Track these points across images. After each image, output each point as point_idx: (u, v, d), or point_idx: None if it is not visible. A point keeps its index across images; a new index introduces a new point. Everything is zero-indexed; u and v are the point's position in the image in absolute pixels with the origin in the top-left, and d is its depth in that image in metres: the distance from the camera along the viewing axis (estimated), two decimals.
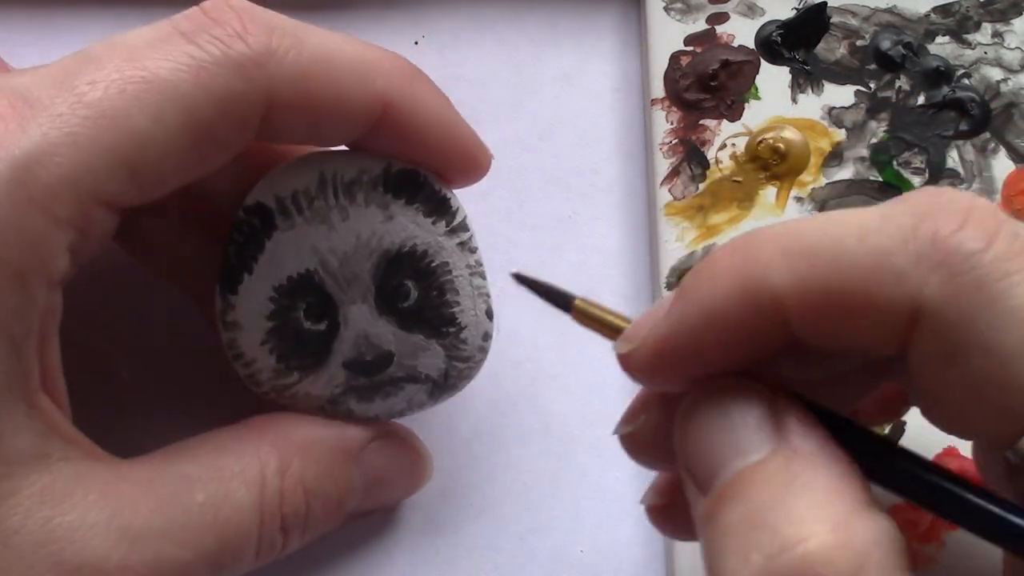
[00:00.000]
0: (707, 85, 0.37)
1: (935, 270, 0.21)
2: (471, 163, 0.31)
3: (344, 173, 0.30)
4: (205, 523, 0.27)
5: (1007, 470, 0.22)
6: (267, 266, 0.30)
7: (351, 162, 0.30)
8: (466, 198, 0.33)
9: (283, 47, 0.27)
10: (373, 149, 0.30)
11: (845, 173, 0.36)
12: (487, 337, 0.31)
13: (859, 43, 0.37)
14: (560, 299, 0.28)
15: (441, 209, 0.31)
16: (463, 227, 0.31)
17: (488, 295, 0.32)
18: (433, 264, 0.31)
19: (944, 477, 0.23)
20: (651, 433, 0.26)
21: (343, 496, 0.31)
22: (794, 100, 0.37)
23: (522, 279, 0.28)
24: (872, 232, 0.22)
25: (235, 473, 0.28)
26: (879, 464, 0.24)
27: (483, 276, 0.31)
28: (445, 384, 0.32)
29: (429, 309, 0.31)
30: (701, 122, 0.36)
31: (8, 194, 0.24)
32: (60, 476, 0.25)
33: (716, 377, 0.24)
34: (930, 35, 0.37)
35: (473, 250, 0.31)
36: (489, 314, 0.31)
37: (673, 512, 0.27)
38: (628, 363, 0.25)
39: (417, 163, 0.31)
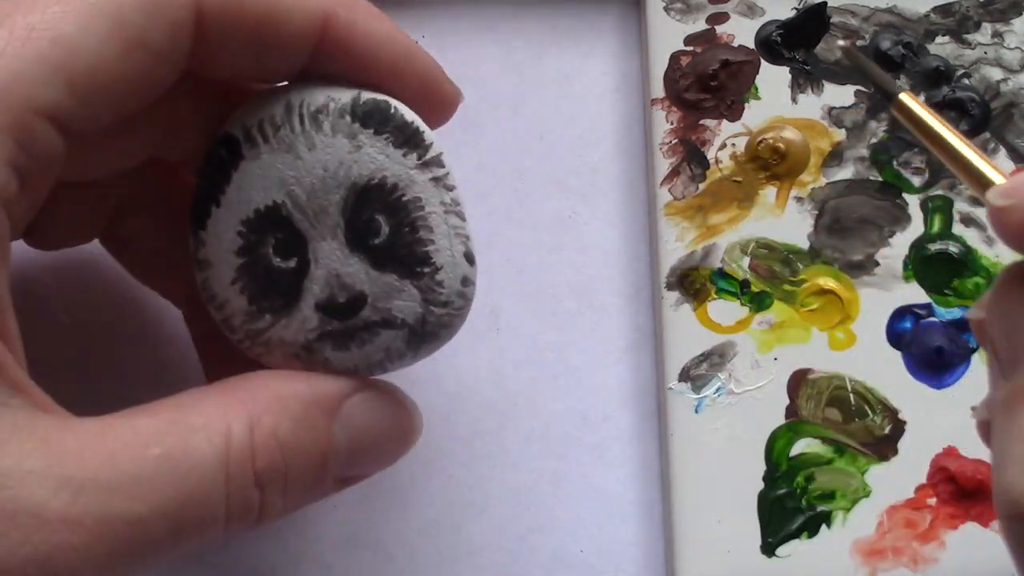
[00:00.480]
0: (707, 85, 0.37)
1: None
2: (434, 91, 0.30)
3: (311, 101, 0.29)
4: (160, 476, 0.25)
5: None
6: (234, 198, 0.29)
7: (319, 90, 0.29)
8: (466, 198, 0.32)
9: None
10: (337, 78, 0.29)
11: (845, 173, 0.36)
12: (467, 282, 0.30)
13: (859, 43, 0.37)
14: (885, 89, 0.26)
15: (413, 141, 0.30)
16: (437, 162, 0.30)
17: (468, 237, 0.30)
18: (404, 198, 0.30)
19: None
20: None
21: (325, 452, 0.29)
22: (794, 100, 0.37)
23: (850, 54, 0.26)
24: None
25: (196, 427, 0.26)
26: None
27: (461, 216, 0.30)
28: (423, 331, 0.30)
29: (401, 247, 0.30)
30: (701, 122, 0.36)
31: None
32: None
33: None
34: (930, 35, 0.37)
35: (450, 188, 0.30)
36: (469, 257, 0.30)
37: None
38: (1001, 220, 0.23)
39: (379, 90, 0.30)
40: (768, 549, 0.34)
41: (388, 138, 0.30)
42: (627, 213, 0.37)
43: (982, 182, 0.24)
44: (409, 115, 0.30)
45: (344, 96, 0.30)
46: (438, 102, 0.30)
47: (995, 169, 0.25)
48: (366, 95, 0.30)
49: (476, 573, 0.35)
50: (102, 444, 0.24)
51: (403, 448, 0.31)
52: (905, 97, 0.26)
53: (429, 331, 0.30)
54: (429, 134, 0.30)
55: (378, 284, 0.29)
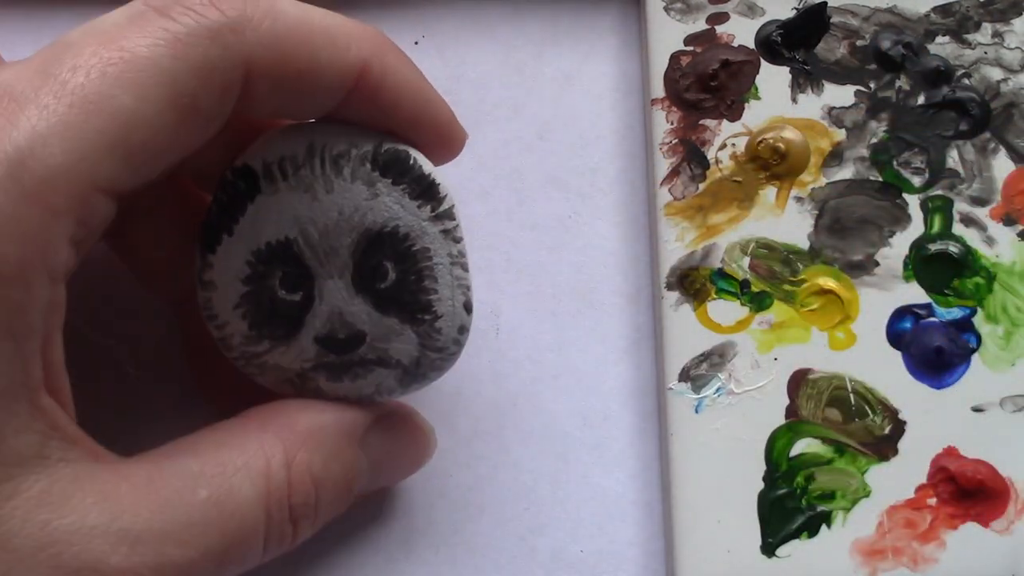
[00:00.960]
0: (707, 85, 0.37)
1: None
2: (446, 137, 0.31)
3: (334, 145, 0.30)
4: (209, 520, 0.27)
5: None
6: (247, 229, 0.30)
7: (342, 135, 0.30)
8: (466, 198, 0.33)
9: (258, 14, 0.27)
10: (359, 122, 0.30)
11: (845, 173, 0.36)
12: (463, 330, 0.31)
13: (859, 43, 0.37)
14: None
15: (428, 194, 0.30)
16: (449, 215, 0.31)
17: (468, 287, 0.31)
18: (414, 248, 0.30)
19: None
20: None
21: (351, 480, 0.30)
22: (794, 100, 0.37)
23: None
24: None
25: (239, 467, 0.28)
26: None
27: (465, 268, 0.31)
28: (416, 372, 0.31)
29: (406, 293, 0.30)
30: (701, 122, 0.36)
31: (3, 191, 0.24)
32: (59, 478, 0.25)
33: None
34: (930, 35, 0.37)
35: (457, 240, 0.31)
36: (468, 307, 0.31)
37: None
38: None
39: (396, 135, 0.30)
40: (768, 549, 0.34)
41: (405, 189, 0.30)
42: (627, 213, 0.37)
43: None
44: (427, 167, 0.31)
45: (366, 144, 0.30)
46: (450, 146, 0.31)
47: None
48: (387, 144, 0.30)
49: (476, 573, 0.35)
50: (154, 492, 0.26)
51: (417, 466, 0.34)
52: None
53: (421, 372, 0.31)
54: (444, 187, 0.31)
55: (379, 325, 0.30)
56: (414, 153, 0.31)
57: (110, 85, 0.25)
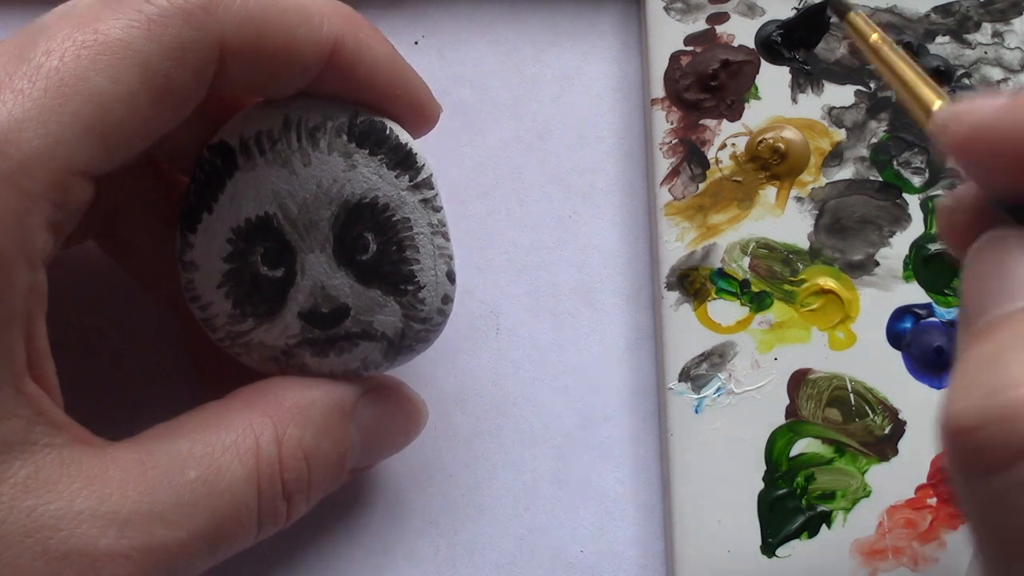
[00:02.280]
0: (707, 85, 0.37)
1: None
2: (421, 109, 0.31)
3: (309, 118, 0.30)
4: (198, 500, 0.27)
5: None
6: (227, 206, 0.30)
7: (317, 108, 0.30)
8: (466, 198, 0.33)
9: None
10: (334, 97, 0.30)
11: (845, 173, 0.36)
12: (447, 300, 0.31)
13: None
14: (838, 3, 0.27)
15: (406, 163, 0.30)
16: (427, 184, 0.31)
17: (451, 257, 0.31)
18: (394, 218, 0.30)
19: None
20: (968, 217, 0.24)
21: (343, 454, 0.30)
22: (794, 100, 0.37)
23: None
24: None
25: (227, 446, 0.28)
26: None
27: (446, 237, 0.31)
28: (401, 344, 0.31)
29: (388, 264, 0.30)
30: (701, 122, 0.36)
31: None
32: (45, 464, 0.25)
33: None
34: (930, 35, 0.37)
35: (437, 209, 0.31)
36: (451, 276, 0.31)
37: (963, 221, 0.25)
38: (945, 135, 0.24)
39: (372, 108, 0.30)
40: (768, 549, 0.34)
41: (382, 159, 0.30)
42: (627, 213, 0.37)
43: (925, 103, 0.25)
44: (403, 136, 0.31)
45: (341, 115, 0.30)
46: (425, 119, 0.32)
47: (936, 91, 0.26)
48: (363, 116, 0.30)
49: (476, 573, 0.35)
50: (142, 475, 0.26)
51: (410, 438, 0.33)
52: (854, 16, 0.27)
53: (406, 344, 0.31)
54: (421, 156, 0.31)
55: (362, 298, 0.30)
56: (390, 124, 0.30)
57: (84, 68, 0.25)
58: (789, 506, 0.34)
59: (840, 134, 0.36)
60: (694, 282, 0.36)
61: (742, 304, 0.35)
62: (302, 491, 0.29)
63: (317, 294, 0.30)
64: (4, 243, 0.24)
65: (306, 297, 0.30)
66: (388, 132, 0.30)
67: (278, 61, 0.28)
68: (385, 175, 0.30)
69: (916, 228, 0.36)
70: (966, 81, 0.37)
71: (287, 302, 0.30)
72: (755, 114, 0.36)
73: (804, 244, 0.36)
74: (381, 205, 0.30)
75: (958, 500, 0.22)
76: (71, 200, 0.25)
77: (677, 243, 0.36)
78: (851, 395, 0.35)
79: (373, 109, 0.30)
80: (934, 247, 0.36)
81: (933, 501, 0.34)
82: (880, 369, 0.35)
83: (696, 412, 0.35)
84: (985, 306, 0.23)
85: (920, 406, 0.35)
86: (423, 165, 0.31)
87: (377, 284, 0.30)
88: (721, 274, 0.36)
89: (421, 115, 0.31)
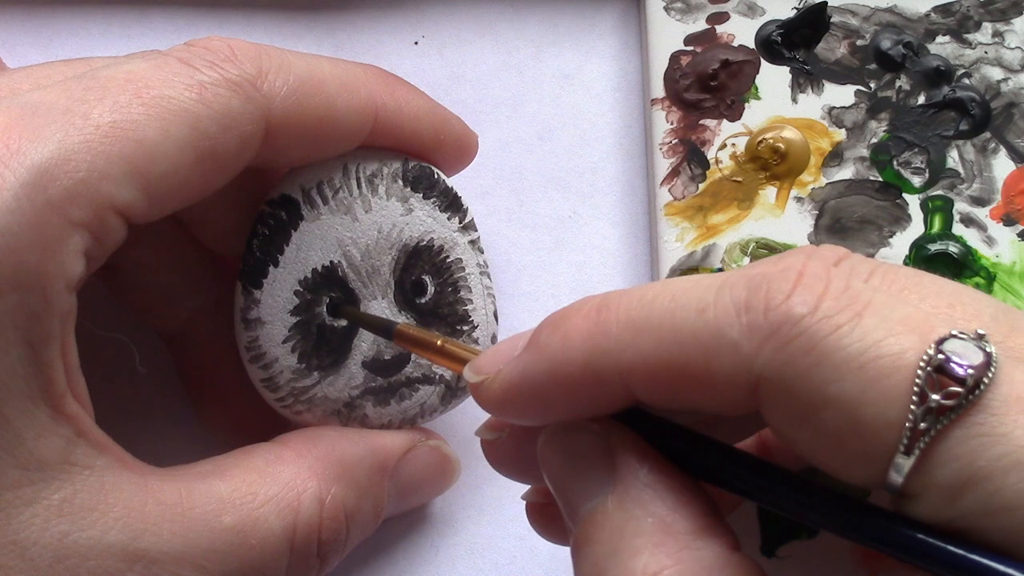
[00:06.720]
0: (707, 85, 0.37)
1: (767, 340, 0.21)
2: (463, 148, 0.32)
3: (367, 165, 0.30)
4: (230, 549, 0.27)
5: (890, 502, 0.22)
6: (293, 258, 0.30)
7: (371, 155, 0.31)
8: (466, 198, 0.33)
9: (272, 69, 0.28)
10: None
11: (845, 173, 0.36)
12: (495, 339, 0.32)
13: (859, 43, 0.37)
14: (381, 328, 0.29)
15: (454, 205, 0.31)
16: (472, 226, 0.32)
17: (494, 296, 0.32)
18: (448, 260, 0.31)
19: (770, 472, 0.23)
20: (513, 448, 0.26)
21: (380, 511, 0.31)
22: (794, 100, 0.37)
23: (347, 313, 0.30)
24: (708, 307, 0.22)
25: (269, 497, 0.28)
26: (720, 471, 0.24)
27: (490, 277, 0.32)
28: (457, 387, 0.32)
29: (445, 306, 0.31)
30: (701, 122, 0.36)
31: (27, 197, 0.24)
32: (83, 487, 0.25)
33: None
34: (930, 35, 0.37)
35: (482, 250, 0.32)
36: (496, 316, 0.32)
37: (550, 513, 0.27)
38: (479, 394, 0.25)
39: (417, 156, 0.31)
40: (768, 549, 0.34)
41: (435, 202, 0.31)
42: (627, 213, 0.37)
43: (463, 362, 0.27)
44: (448, 181, 0.32)
45: (395, 161, 0.31)
46: (464, 155, 0.33)
47: (471, 352, 0.27)
48: (412, 161, 0.31)
49: (476, 573, 0.35)
50: (180, 515, 0.26)
51: (441, 492, 0.34)
52: (400, 328, 0.29)
53: (461, 387, 0.31)
54: (465, 200, 0.32)
55: None
56: (435, 169, 0.31)
57: (137, 117, 0.26)
58: None
59: (840, 134, 0.36)
60: None
61: None
62: (339, 550, 0.29)
63: (380, 341, 0.30)
64: (47, 265, 0.25)
65: (369, 345, 0.31)
66: (436, 176, 0.31)
67: (321, 130, 0.29)
68: (439, 217, 0.31)
69: (916, 228, 0.36)
70: (966, 81, 0.37)
71: (351, 352, 0.30)
72: (755, 114, 0.36)
73: (804, 244, 0.36)
74: (437, 247, 0.31)
75: None
76: (107, 235, 0.26)
77: (677, 243, 0.36)
78: None
79: (418, 157, 0.31)
80: (934, 247, 0.36)
81: None
82: None
83: None
84: (573, 504, 0.24)
85: None
86: (467, 208, 0.32)
87: (436, 326, 0.31)
88: None
89: (464, 153, 0.33)
